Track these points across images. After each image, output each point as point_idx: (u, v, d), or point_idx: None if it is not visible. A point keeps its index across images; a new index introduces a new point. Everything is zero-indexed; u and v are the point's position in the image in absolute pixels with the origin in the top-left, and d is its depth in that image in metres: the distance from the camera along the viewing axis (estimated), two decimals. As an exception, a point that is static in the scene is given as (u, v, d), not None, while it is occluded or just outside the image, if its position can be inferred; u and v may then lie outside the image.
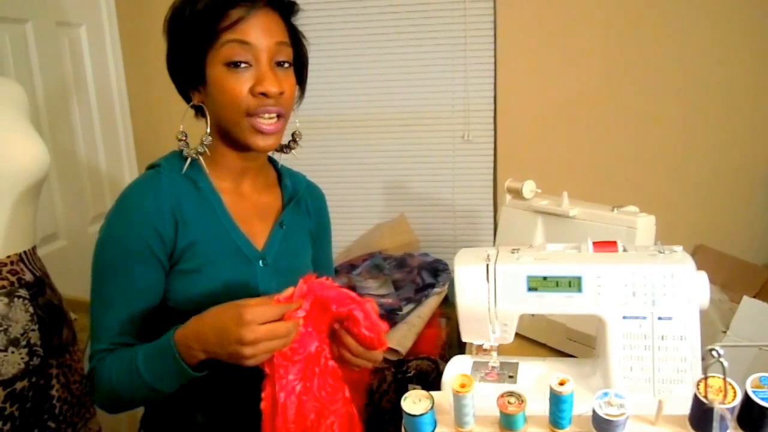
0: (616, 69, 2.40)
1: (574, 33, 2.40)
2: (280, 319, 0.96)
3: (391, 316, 2.15)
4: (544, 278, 1.01)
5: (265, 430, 0.99)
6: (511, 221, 1.55)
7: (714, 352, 0.70)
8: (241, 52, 1.07)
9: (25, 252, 1.33)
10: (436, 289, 2.31)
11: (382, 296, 2.27)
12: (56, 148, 2.04)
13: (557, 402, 0.79)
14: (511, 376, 1.10)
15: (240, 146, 1.14)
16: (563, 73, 2.44)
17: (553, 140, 2.50)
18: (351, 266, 2.47)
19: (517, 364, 1.12)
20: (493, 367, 1.11)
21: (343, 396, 1.07)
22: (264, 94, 1.07)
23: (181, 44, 1.13)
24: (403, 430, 0.84)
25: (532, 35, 2.43)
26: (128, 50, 2.55)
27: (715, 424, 0.71)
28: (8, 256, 1.29)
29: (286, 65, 1.12)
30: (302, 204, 1.31)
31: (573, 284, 1.00)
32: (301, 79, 1.23)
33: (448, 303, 2.33)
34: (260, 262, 1.18)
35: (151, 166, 1.17)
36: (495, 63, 2.50)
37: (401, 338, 2.06)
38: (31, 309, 1.30)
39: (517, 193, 1.51)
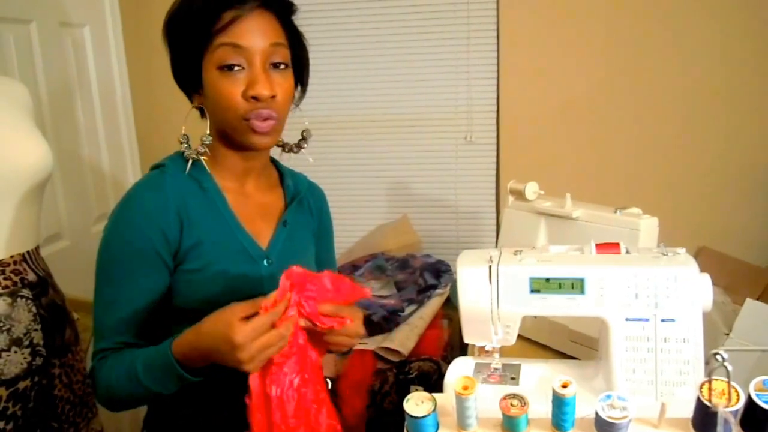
0: (619, 71, 2.39)
1: (576, 35, 2.40)
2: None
3: (394, 317, 2.15)
4: (547, 280, 1.01)
5: (254, 423, 0.99)
6: (514, 223, 1.55)
7: (718, 356, 0.70)
8: (234, 56, 1.07)
9: (28, 252, 1.33)
10: (438, 291, 2.31)
11: (384, 297, 2.27)
12: (59, 148, 2.04)
13: (560, 404, 0.79)
14: (513, 378, 1.10)
15: (240, 146, 1.15)
16: (566, 74, 2.44)
17: (555, 142, 2.50)
18: (353, 267, 2.47)
19: (520, 365, 1.12)
20: (495, 369, 1.11)
21: (323, 387, 1.08)
22: (255, 98, 1.07)
23: (178, 49, 1.13)
24: (405, 431, 0.84)
25: (534, 37, 2.43)
26: (131, 51, 2.55)
27: (720, 428, 0.71)
28: (11, 256, 1.29)
29: (283, 67, 1.11)
30: (305, 203, 1.32)
31: (576, 286, 1.00)
32: (301, 79, 1.22)
33: (451, 304, 2.33)
34: (265, 261, 1.18)
35: (156, 166, 1.18)
36: (498, 64, 2.50)
37: (403, 339, 2.06)
38: (34, 309, 1.30)
39: (519, 195, 1.50)
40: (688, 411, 0.80)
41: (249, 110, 1.08)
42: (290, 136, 1.24)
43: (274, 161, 1.32)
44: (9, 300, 1.26)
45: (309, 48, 1.22)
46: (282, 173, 1.31)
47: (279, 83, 1.10)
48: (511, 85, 2.49)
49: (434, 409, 0.82)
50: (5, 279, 1.26)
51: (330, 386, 1.11)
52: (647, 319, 0.98)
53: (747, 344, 1.30)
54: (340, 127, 2.67)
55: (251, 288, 1.16)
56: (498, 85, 2.51)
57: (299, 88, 1.23)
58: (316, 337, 1.06)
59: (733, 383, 0.73)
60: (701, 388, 0.75)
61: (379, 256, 2.52)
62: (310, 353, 1.06)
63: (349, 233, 2.74)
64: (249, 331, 0.94)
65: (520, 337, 1.10)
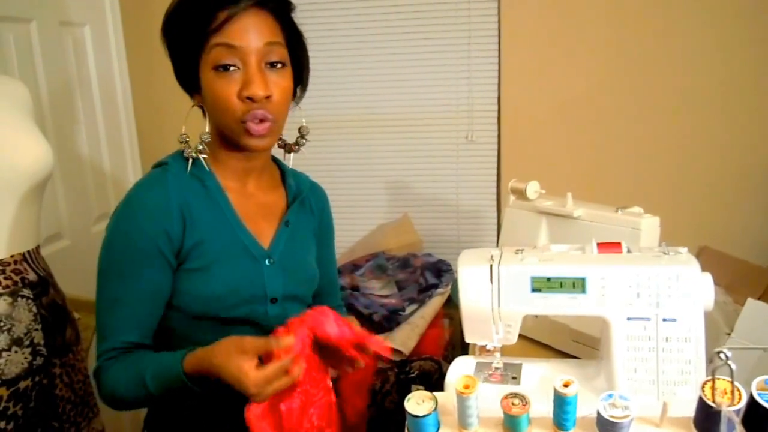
0: (620, 70, 2.39)
1: (578, 34, 2.40)
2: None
3: (394, 317, 2.15)
4: (548, 279, 1.01)
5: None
6: (515, 222, 1.55)
7: (722, 355, 0.70)
8: (228, 56, 1.06)
9: (28, 251, 1.33)
10: (439, 290, 2.31)
11: (385, 296, 2.27)
12: (60, 147, 2.04)
13: (561, 404, 0.79)
14: (514, 378, 1.09)
15: (238, 147, 1.14)
16: (567, 73, 2.43)
17: (557, 141, 2.49)
18: (354, 266, 2.47)
19: (521, 365, 1.12)
20: (496, 368, 1.11)
21: (324, 385, 1.08)
22: (250, 98, 1.06)
23: (175, 49, 1.13)
24: (406, 430, 0.84)
25: (536, 36, 2.43)
26: (132, 50, 2.55)
27: (723, 427, 0.71)
28: (12, 256, 1.29)
29: (280, 66, 1.11)
30: (306, 203, 1.31)
31: (577, 285, 1.00)
32: (301, 78, 1.22)
33: (452, 303, 2.33)
34: (266, 260, 1.18)
35: (158, 165, 1.18)
36: (499, 63, 2.49)
37: (404, 339, 2.06)
38: (34, 309, 1.30)
39: (520, 194, 1.50)
40: (689, 410, 0.80)
41: (245, 111, 1.07)
42: (289, 135, 1.24)
43: (276, 160, 1.32)
44: (9, 300, 1.25)
45: (309, 47, 1.22)
46: (284, 172, 1.31)
47: (275, 83, 1.09)
48: (512, 85, 2.49)
49: (435, 409, 0.81)
50: (6, 279, 1.26)
51: (331, 386, 1.11)
52: (649, 319, 0.98)
53: (747, 343, 1.30)
54: (341, 127, 2.67)
55: (253, 287, 1.17)
56: (499, 85, 2.51)
57: (299, 87, 1.22)
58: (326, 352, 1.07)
59: (734, 382, 0.73)
60: (703, 387, 0.74)
61: (380, 255, 2.52)
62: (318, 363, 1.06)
63: (349, 232, 2.74)
64: (262, 382, 0.94)
65: (521, 336, 1.10)
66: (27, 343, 1.27)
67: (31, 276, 1.32)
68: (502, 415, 0.82)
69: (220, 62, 1.06)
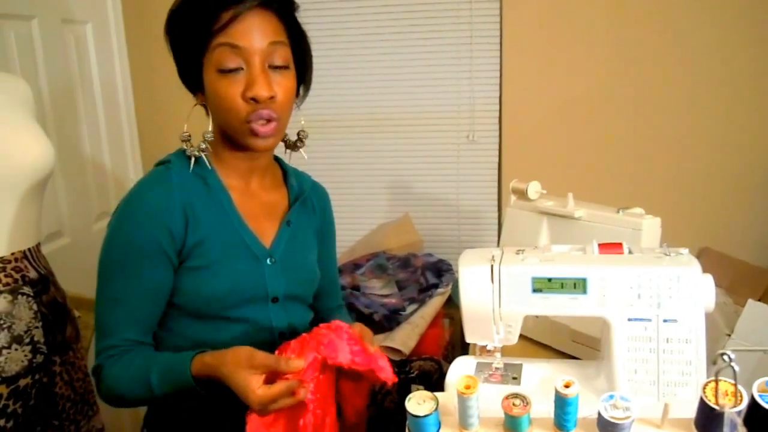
0: (622, 71, 2.39)
1: (579, 34, 2.39)
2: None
3: (395, 316, 2.15)
4: (549, 280, 1.01)
5: None
6: (516, 222, 1.54)
7: (725, 357, 0.70)
8: (232, 57, 1.06)
9: (29, 249, 1.33)
10: (439, 290, 2.31)
11: (386, 296, 2.27)
12: (61, 145, 2.04)
13: (562, 404, 0.79)
14: (514, 378, 1.09)
15: (241, 147, 1.14)
16: (569, 74, 2.43)
17: (558, 141, 2.49)
18: (355, 266, 2.47)
19: (521, 365, 1.12)
20: (496, 369, 1.11)
21: (332, 398, 1.08)
22: (254, 99, 1.06)
23: (179, 49, 1.13)
24: (407, 431, 0.84)
25: (537, 36, 2.43)
26: (134, 48, 2.55)
27: (726, 430, 0.71)
28: (12, 254, 1.29)
29: (283, 66, 1.10)
30: (308, 203, 1.31)
31: (578, 286, 1.00)
32: (304, 78, 1.22)
33: (452, 303, 2.33)
34: (268, 260, 1.18)
35: (161, 163, 1.18)
36: (500, 63, 2.49)
37: (404, 338, 2.06)
38: (35, 306, 1.30)
39: (522, 194, 1.50)
40: (689, 411, 0.80)
41: (249, 112, 1.07)
42: (291, 134, 1.24)
43: (278, 160, 1.32)
44: (10, 297, 1.25)
45: (311, 47, 1.22)
46: (286, 172, 1.31)
47: (279, 83, 1.09)
48: (513, 85, 2.49)
49: (436, 409, 0.81)
50: (6, 276, 1.26)
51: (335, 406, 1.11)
52: (649, 320, 0.98)
53: (748, 345, 1.30)
54: (342, 126, 2.67)
55: (254, 286, 1.17)
56: (500, 84, 2.51)
57: (302, 87, 1.22)
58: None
59: (737, 384, 0.73)
60: (704, 388, 0.74)
61: (381, 255, 2.52)
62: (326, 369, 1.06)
63: (350, 232, 2.74)
64: (266, 400, 0.96)
65: (521, 336, 1.10)
66: (27, 340, 1.27)
67: (32, 274, 1.32)
68: (502, 416, 0.82)
69: (223, 64, 1.06)
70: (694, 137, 2.38)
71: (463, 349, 1.64)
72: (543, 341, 1.45)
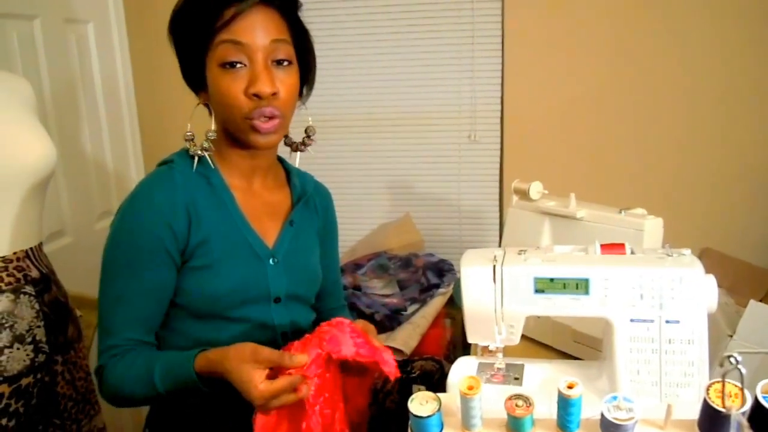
0: (623, 71, 2.39)
1: (581, 35, 2.39)
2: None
3: (396, 316, 2.15)
4: (551, 280, 1.01)
5: None
6: (518, 222, 1.54)
7: (732, 359, 0.69)
8: (235, 53, 1.06)
9: (31, 248, 1.33)
10: (441, 290, 2.31)
11: (387, 296, 2.27)
12: (63, 144, 2.04)
13: (566, 405, 0.79)
14: (516, 378, 1.09)
15: (244, 145, 1.14)
16: (570, 74, 2.43)
17: (560, 141, 2.49)
18: (356, 266, 2.47)
19: (523, 366, 1.12)
20: (498, 369, 1.11)
21: (340, 395, 1.08)
22: (257, 95, 1.06)
23: (182, 46, 1.13)
24: (409, 431, 0.84)
25: (539, 36, 2.43)
26: (135, 47, 2.56)
27: (733, 431, 0.71)
28: (14, 253, 1.29)
29: (286, 63, 1.10)
30: (311, 203, 1.31)
31: (580, 286, 1.00)
32: (307, 77, 1.22)
33: (453, 303, 2.32)
34: (271, 260, 1.18)
35: (164, 162, 1.18)
36: (502, 63, 2.49)
37: (406, 338, 2.06)
38: (36, 306, 1.30)
39: (523, 194, 1.50)
40: (692, 412, 0.80)
41: (252, 108, 1.07)
42: (295, 134, 1.24)
43: (281, 160, 1.32)
44: (12, 296, 1.25)
45: (314, 45, 1.22)
46: (289, 172, 1.31)
47: (282, 80, 1.09)
48: (515, 85, 2.49)
49: (439, 409, 0.81)
50: (8, 275, 1.26)
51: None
52: (652, 320, 0.98)
53: (750, 346, 1.30)
54: (344, 126, 2.67)
55: (257, 286, 1.16)
56: (502, 84, 2.51)
57: (305, 86, 1.22)
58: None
59: (738, 385, 0.73)
60: (708, 390, 0.74)
61: (382, 254, 2.52)
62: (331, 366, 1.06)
63: (351, 232, 2.74)
64: (268, 396, 0.96)
65: (523, 337, 1.10)
66: (29, 340, 1.27)
67: (34, 273, 1.32)
68: (505, 416, 0.82)
69: (226, 59, 1.06)
70: (696, 138, 2.38)
71: (465, 349, 1.64)
72: (545, 342, 1.45)
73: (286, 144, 1.23)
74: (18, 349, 1.25)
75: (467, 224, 2.67)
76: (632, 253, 1.04)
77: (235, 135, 1.13)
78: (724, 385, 0.72)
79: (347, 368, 1.09)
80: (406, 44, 2.56)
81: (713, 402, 0.73)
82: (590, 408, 0.81)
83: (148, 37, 2.55)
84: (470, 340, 1.11)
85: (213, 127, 1.15)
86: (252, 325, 1.17)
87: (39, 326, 1.30)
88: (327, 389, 1.03)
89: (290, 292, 1.21)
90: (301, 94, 1.20)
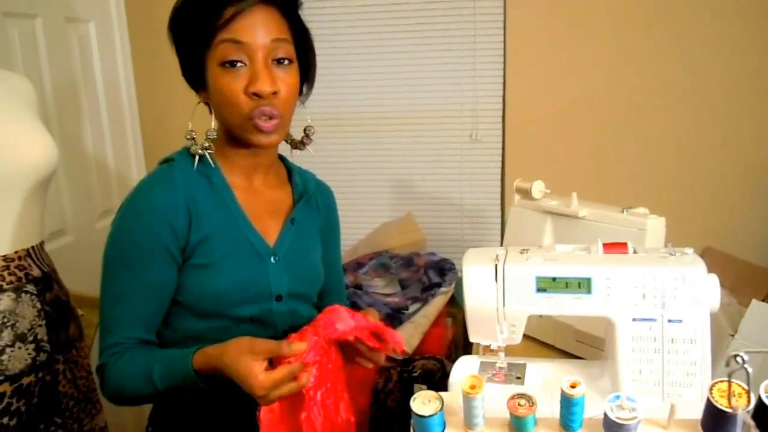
0: (625, 70, 2.38)
1: (583, 34, 2.39)
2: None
3: (398, 315, 2.15)
4: (554, 279, 1.01)
5: None
6: (520, 221, 1.54)
7: (738, 359, 0.69)
8: (235, 52, 1.06)
9: (32, 247, 1.33)
10: (442, 289, 2.31)
11: (389, 295, 2.27)
12: (64, 143, 2.04)
13: (568, 405, 0.79)
14: (518, 378, 1.09)
15: (245, 144, 1.14)
16: (572, 73, 2.43)
17: (562, 141, 2.49)
18: (358, 265, 2.47)
19: (525, 365, 1.12)
20: (500, 368, 1.11)
21: (343, 384, 1.08)
22: (257, 94, 1.06)
23: (182, 45, 1.13)
24: (411, 430, 0.84)
25: (541, 36, 2.42)
26: (137, 46, 2.55)
27: (739, 431, 0.70)
28: (16, 252, 1.28)
29: (286, 62, 1.11)
30: (313, 201, 1.31)
31: (582, 285, 1.00)
32: (307, 76, 1.22)
33: (455, 302, 2.33)
34: (272, 258, 1.18)
35: (165, 161, 1.18)
36: (504, 63, 2.49)
37: (407, 337, 2.06)
38: (38, 304, 1.30)
39: (525, 194, 1.50)
40: (694, 412, 0.80)
41: (252, 108, 1.07)
42: (295, 133, 1.24)
43: (283, 159, 1.32)
44: (13, 295, 1.25)
45: (314, 45, 1.22)
46: (290, 171, 1.31)
47: (282, 79, 1.09)
48: (517, 84, 2.49)
49: (441, 409, 0.81)
50: (10, 274, 1.26)
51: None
52: (654, 320, 0.98)
53: (752, 345, 1.30)
54: (345, 125, 2.67)
55: (258, 284, 1.16)
56: (504, 84, 2.50)
57: (305, 85, 1.22)
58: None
59: (742, 384, 0.73)
60: (711, 389, 0.74)
61: (384, 254, 2.52)
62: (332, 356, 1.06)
63: (353, 231, 2.74)
64: (268, 386, 0.95)
65: (525, 336, 1.10)
66: (30, 339, 1.27)
67: (35, 272, 1.32)
68: (507, 416, 0.82)
69: (226, 58, 1.06)
70: (698, 137, 2.38)
71: (466, 348, 1.64)
72: (547, 341, 1.45)
73: (286, 142, 1.23)
74: (19, 348, 1.25)
75: (469, 223, 2.67)
76: (634, 252, 1.04)
77: (235, 134, 1.13)
78: (730, 385, 0.72)
79: (350, 357, 1.09)
80: (407, 44, 2.55)
81: (717, 402, 0.73)
82: (592, 407, 0.80)
83: (150, 36, 2.55)
84: (472, 339, 1.11)
85: (213, 126, 1.15)
86: (254, 324, 1.17)
87: (40, 325, 1.30)
88: (329, 379, 1.03)
89: (292, 290, 1.21)
90: (301, 92, 1.19)
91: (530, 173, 1.62)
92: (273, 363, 0.98)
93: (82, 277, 1.56)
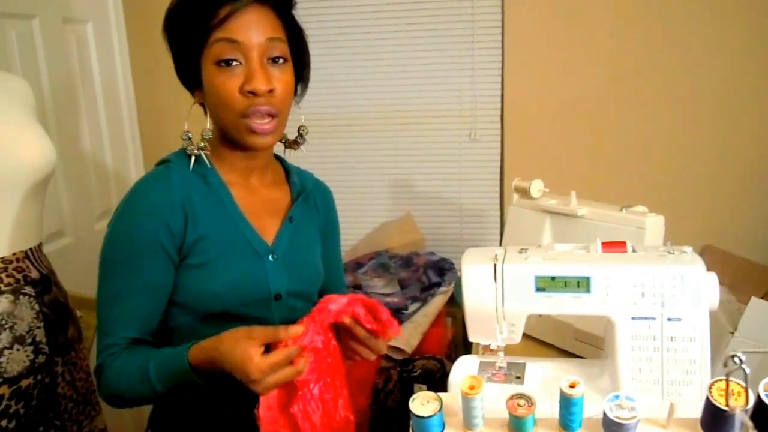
0: (625, 69, 2.38)
1: (581, 33, 2.39)
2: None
3: (397, 315, 2.14)
4: (553, 278, 1.01)
5: None
6: (519, 221, 1.54)
7: (736, 359, 0.69)
8: (230, 51, 1.06)
9: (31, 249, 1.33)
10: (442, 288, 2.31)
11: (388, 295, 2.27)
12: (62, 144, 2.04)
13: (568, 405, 0.79)
14: (518, 377, 1.09)
15: (240, 145, 1.14)
16: (570, 72, 2.43)
17: (560, 140, 2.49)
18: (357, 265, 2.47)
19: (524, 364, 1.12)
20: (500, 368, 1.11)
21: (343, 380, 1.08)
22: (253, 93, 1.06)
23: (177, 45, 1.13)
24: (410, 431, 0.84)
25: (539, 35, 2.42)
26: (135, 47, 2.55)
27: (737, 431, 0.70)
28: (14, 253, 1.28)
29: (281, 61, 1.11)
30: (311, 200, 1.31)
31: (582, 285, 0.99)
32: (302, 75, 1.22)
33: (454, 302, 2.32)
34: (270, 256, 1.18)
35: (161, 162, 1.18)
36: (502, 62, 2.49)
37: (407, 337, 2.06)
38: (36, 306, 1.30)
39: (524, 193, 1.50)
40: (694, 411, 0.80)
41: (247, 106, 1.07)
42: (290, 133, 1.24)
43: (281, 159, 1.32)
44: (12, 297, 1.25)
45: (310, 44, 1.22)
46: (288, 170, 1.31)
47: (277, 78, 1.09)
48: (515, 83, 2.49)
49: (440, 409, 0.81)
50: (8, 276, 1.26)
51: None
52: (653, 318, 0.97)
53: (751, 343, 1.30)
54: (344, 125, 2.66)
55: (256, 283, 1.16)
56: (502, 83, 2.50)
57: (300, 85, 1.22)
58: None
59: (741, 383, 0.72)
60: (710, 388, 0.74)
61: (383, 253, 2.52)
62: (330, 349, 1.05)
63: (352, 231, 2.74)
64: (265, 369, 0.93)
65: (524, 335, 1.10)
66: (29, 341, 1.27)
67: (34, 274, 1.32)
68: (506, 416, 0.82)
69: (222, 57, 1.06)
70: (697, 135, 2.38)
71: (466, 347, 1.63)
72: (546, 340, 1.45)
73: (280, 141, 1.23)
74: (18, 350, 1.25)
75: (468, 223, 2.67)
76: (633, 251, 1.04)
77: (230, 135, 1.13)
78: (728, 384, 0.72)
79: (349, 356, 1.08)
80: (406, 43, 2.55)
81: (716, 401, 0.73)
82: (592, 407, 0.80)
83: (148, 36, 2.55)
84: (472, 339, 1.11)
85: (209, 126, 1.14)
86: (252, 323, 1.17)
87: (39, 327, 1.30)
88: (328, 374, 1.02)
89: (291, 288, 1.21)
90: (295, 93, 1.19)
91: (529, 172, 1.62)
92: (270, 349, 0.97)
93: (80, 278, 1.56)
